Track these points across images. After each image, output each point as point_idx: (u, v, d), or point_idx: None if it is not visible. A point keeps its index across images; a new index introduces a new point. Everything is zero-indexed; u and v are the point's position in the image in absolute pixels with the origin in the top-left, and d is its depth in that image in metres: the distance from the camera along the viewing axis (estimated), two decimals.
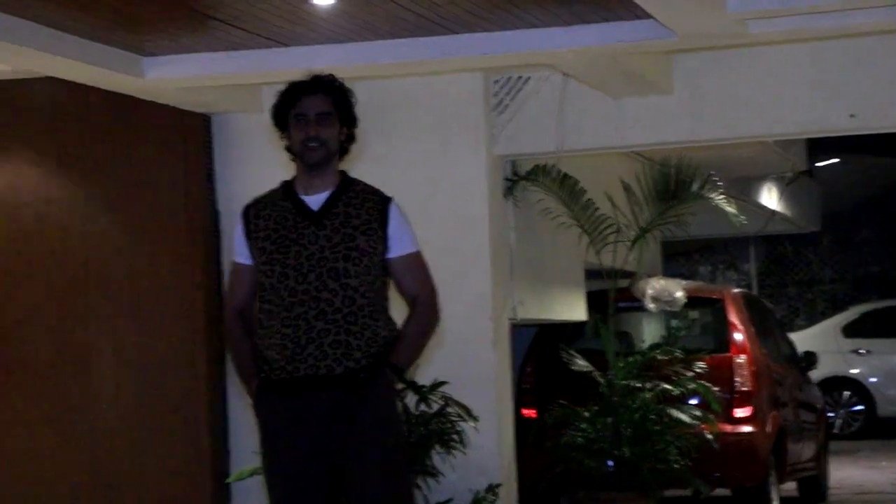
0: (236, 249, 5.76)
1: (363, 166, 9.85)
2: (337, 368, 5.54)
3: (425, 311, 5.78)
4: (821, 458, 13.71)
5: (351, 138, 5.81)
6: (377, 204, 5.72)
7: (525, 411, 11.91)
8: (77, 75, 8.68)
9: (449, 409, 9.30)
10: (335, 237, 5.60)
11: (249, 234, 5.69)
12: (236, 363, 5.84)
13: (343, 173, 5.78)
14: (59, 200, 10.01)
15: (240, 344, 5.76)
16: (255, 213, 5.73)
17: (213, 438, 9.90)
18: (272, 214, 5.69)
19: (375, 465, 5.58)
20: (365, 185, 5.79)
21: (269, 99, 9.60)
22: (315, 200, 5.68)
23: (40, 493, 9.87)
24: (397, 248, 5.71)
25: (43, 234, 9.99)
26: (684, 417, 10.41)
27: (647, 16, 7.99)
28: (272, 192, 5.79)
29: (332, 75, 5.83)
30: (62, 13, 7.64)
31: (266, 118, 9.51)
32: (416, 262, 5.79)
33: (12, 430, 9.97)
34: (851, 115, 10.03)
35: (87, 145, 10.03)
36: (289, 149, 5.76)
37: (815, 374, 15.95)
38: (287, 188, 5.76)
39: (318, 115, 5.67)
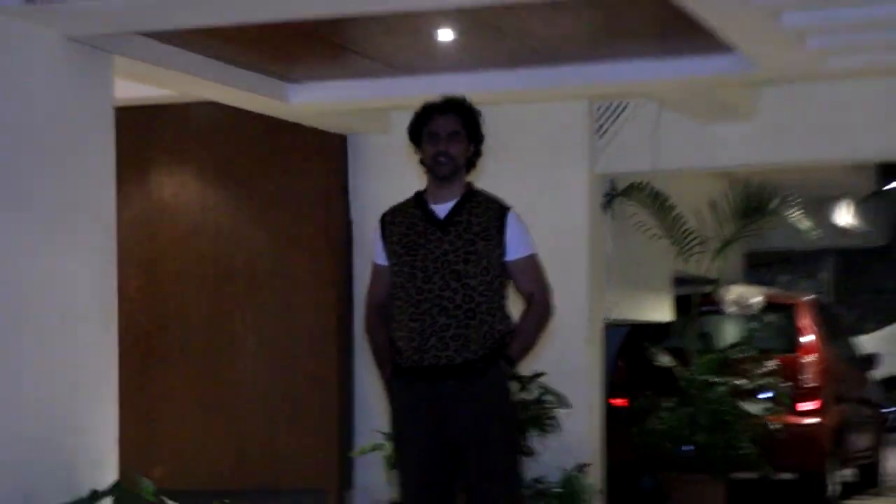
0: (375, 252, 5.78)
1: (481, 181, 9.96)
2: (457, 359, 5.53)
3: (539, 307, 5.75)
4: (877, 449, 13.59)
5: (478, 153, 5.83)
6: (497, 212, 5.71)
7: (615, 401, 11.94)
8: (232, 100, 8.81)
9: (546, 397, 9.36)
10: (458, 242, 5.60)
11: (385, 239, 5.71)
12: (373, 352, 5.85)
13: (469, 184, 5.79)
14: (215, 208, 10.14)
15: (377, 335, 5.77)
16: (390, 219, 5.75)
17: (340, 418, 9.98)
18: (404, 221, 5.70)
19: (492, 442, 5.57)
20: (488, 195, 5.80)
21: (397, 122, 9.91)
22: (442, 209, 5.67)
23: (189, 462, 10.00)
24: (514, 252, 5.68)
25: (200, 237, 10.12)
26: (754, 410, 10.41)
27: (735, 50, 7.97)
28: (406, 202, 5.79)
29: (463, 97, 5.85)
30: (222, 46, 7.74)
31: (394, 139, 9.89)
32: (531, 263, 5.75)
33: (171, 405, 10.10)
34: None
35: (239, 161, 10.15)
36: (422, 161, 5.75)
37: (880, 374, 15.82)
38: (418, 197, 5.77)
39: (448, 133, 5.68)
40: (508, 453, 5.71)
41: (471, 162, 5.79)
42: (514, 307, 5.78)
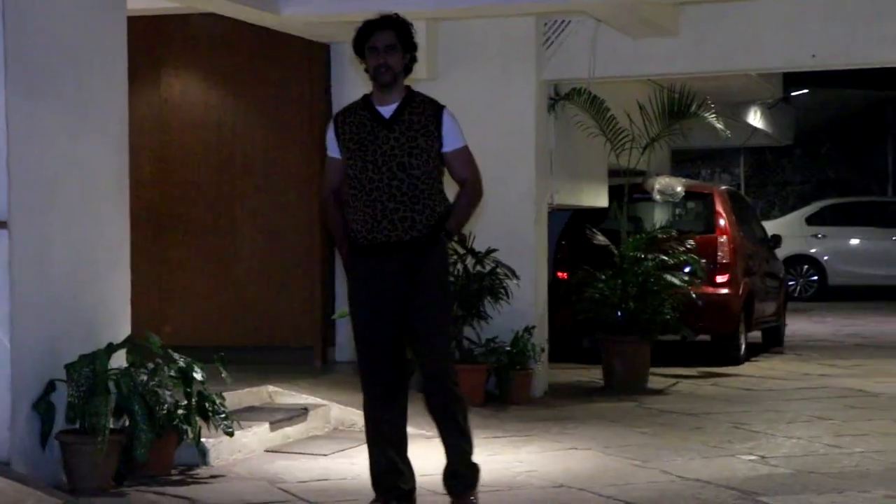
0: (329, 146, 5.80)
1: (443, 86, 9.97)
2: (404, 237, 5.63)
3: (471, 189, 5.80)
4: (780, 314, 13.75)
5: (413, 60, 5.79)
6: (434, 111, 5.72)
7: (559, 274, 12.03)
8: (231, 11, 8.73)
9: (498, 270, 9.42)
10: (402, 138, 5.63)
11: (339, 136, 5.73)
12: (332, 230, 5.95)
13: (408, 88, 5.78)
14: (216, 105, 10.09)
15: (334, 216, 5.83)
16: (342, 119, 5.76)
17: (323, 285, 10.03)
18: (355, 121, 5.71)
19: (431, 302, 5.69)
20: (424, 96, 5.80)
21: None
22: (387, 110, 5.68)
23: (195, 319, 10.06)
24: (450, 144, 5.71)
25: (203, 130, 10.09)
26: (676, 281, 10.51)
27: None
28: (355, 103, 5.81)
29: (396, 14, 5.80)
30: None
31: None
32: (463, 153, 5.77)
33: (178, 274, 10.13)
34: (813, 55, 9.99)
35: (237, 65, 10.08)
36: (366, 71, 5.75)
37: (782, 252, 15.95)
38: (366, 100, 5.77)
39: (386, 46, 5.66)
40: (445, 310, 5.87)
41: (407, 68, 5.76)
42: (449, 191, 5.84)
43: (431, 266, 5.71)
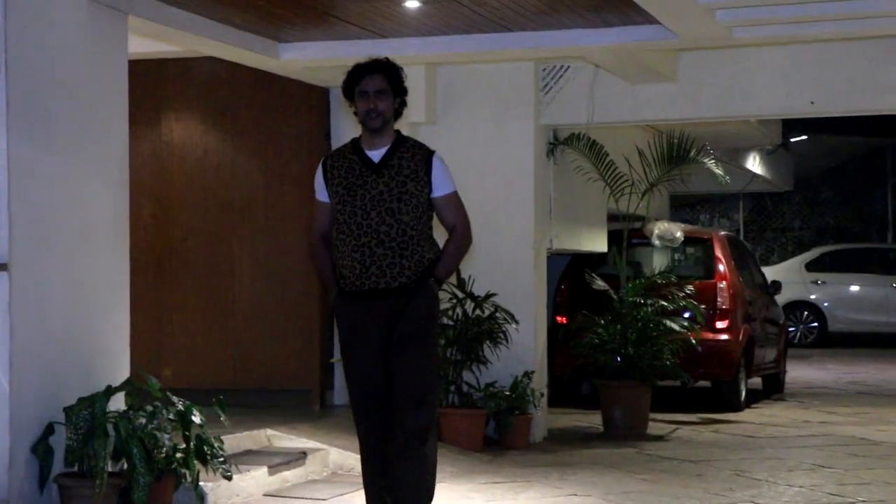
0: (317, 190, 5.76)
1: (442, 130, 10.11)
2: (393, 283, 5.59)
3: (460, 236, 5.75)
4: (780, 361, 13.76)
5: (403, 104, 5.77)
6: (423, 156, 5.69)
7: (558, 318, 12.06)
8: (231, 56, 8.80)
9: (497, 314, 9.44)
10: (391, 183, 5.60)
11: (328, 180, 5.70)
12: (320, 275, 5.92)
13: (398, 132, 5.75)
14: (216, 149, 10.12)
15: (323, 261, 5.81)
16: (331, 163, 5.73)
17: (322, 328, 10.00)
18: (343, 165, 5.68)
19: (411, 350, 5.62)
20: (414, 141, 5.77)
21: None
22: (376, 154, 5.66)
23: (194, 362, 10.05)
24: (439, 190, 5.68)
25: (202, 172, 10.09)
26: (676, 326, 10.54)
27: (657, 22, 8.03)
28: (344, 147, 5.78)
29: (387, 58, 5.77)
30: (222, 9, 7.74)
31: None
32: (453, 199, 5.74)
33: (177, 316, 10.10)
34: (811, 103, 10.08)
35: (236, 108, 10.12)
36: (355, 114, 5.71)
37: (782, 298, 15.99)
38: (355, 144, 5.74)
39: (376, 91, 5.63)
40: (426, 360, 5.69)
41: (398, 113, 5.74)
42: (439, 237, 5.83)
43: (416, 313, 5.63)
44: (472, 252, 9.85)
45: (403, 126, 9.80)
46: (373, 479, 5.74)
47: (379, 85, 5.65)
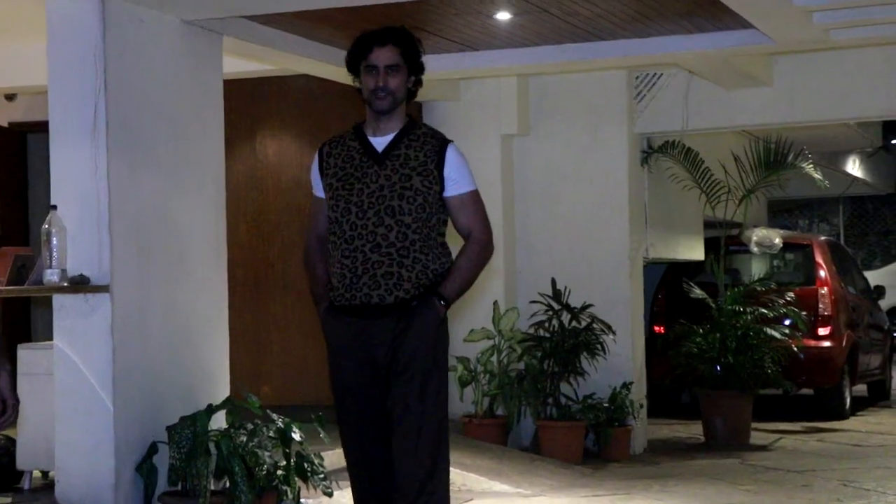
0: (313, 183, 4.88)
1: (534, 142, 10.11)
2: (388, 298, 4.64)
3: (476, 245, 4.76)
4: (885, 367, 13.51)
5: (418, 83, 4.82)
6: (436, 146, 4.72)
7: (656, 328, 11.97)
8: (324, 73, 8.83)
9: (594, 325, 9.39)
10: (394, 177, 4.67)
11: (322, 171, 4.82)
12: (310, 285, 4.97)
13: (409, 117, 4.83)
14: (310, 166, 10.20)
15: (315, 268, 4.90)
16: (328, 151, 4.83)
17: None
18: (342, 153, 4.77)
19: (413, 388, 4.66)
20: (428, 128, 4.83)
21: (465, 90, 9.92)
22: (381, 142, 4.73)
23: (293, 379, 10.11)
24: (453, 188, 4.72)
25: (298, 190, 10.12)
26: (776, 334, 10.41)
27: (752, 26, 7.93)
28: (345, 133, 4.86)
29: (402, 27, 4.84)
30: (315, 27, 7.76)
31: (463, 105, 9.90)
32: (470, 200, 4.77)
33: (276, 333, 10.15)
34: None
35: (330, 125, 10.13)
36: (360, 93, 4.77)
37: (886, 303, 15.70)
38: (357, 129, 4.82)
39: (387, 66, 4.68)
40: (433, 400, 4.71)
41: (411, 93, 4.80)
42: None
43: (419, 338, 4.66)
44: (568, 262, 9.88)
45: (495, 137, 10.04)
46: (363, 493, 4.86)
47: (390, 59, 4.70)
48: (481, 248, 4.78)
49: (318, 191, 4.86)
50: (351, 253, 4.67)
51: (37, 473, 6.60)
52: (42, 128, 7.04)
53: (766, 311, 10.50)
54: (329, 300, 4.77)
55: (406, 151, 4.71)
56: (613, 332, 9.42)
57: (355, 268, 4.66)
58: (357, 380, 4.71)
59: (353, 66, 4.79)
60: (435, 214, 4.72)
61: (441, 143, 4.75)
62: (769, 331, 10.37)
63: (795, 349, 10.65)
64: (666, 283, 12.30)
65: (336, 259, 4.72)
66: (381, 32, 4.75)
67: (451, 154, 4.73)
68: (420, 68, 4.81)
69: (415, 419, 4.65)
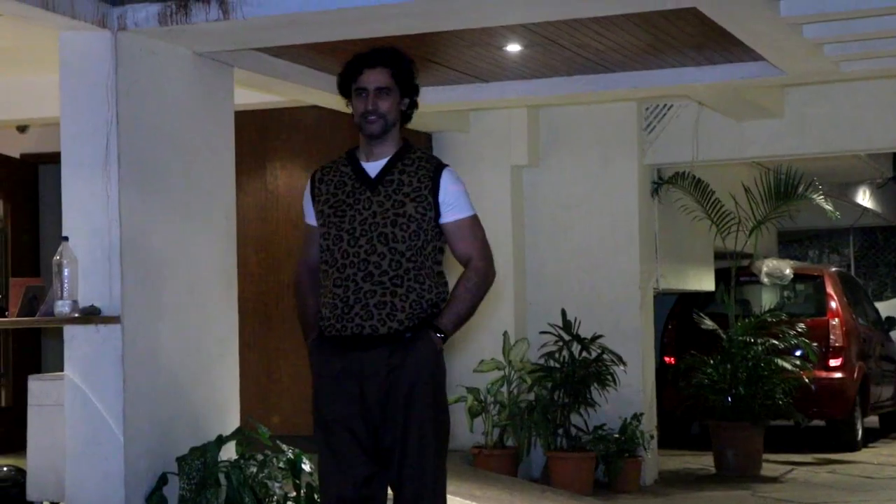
0: (305, 211, 4.75)
1: (543, 173, 10.12)
2: (381, 329, 4.43)
3: (474, 273, 4.55)
4: None
5: (413, 106, 4.70)
6: (430, 171, 4.56)
7: (666, 359, 11.95)
8: (332, 103, 8.77)
9: (605, 356, 9.37)
10: (386, 203, 4.51)
11: (314, 198, 4.67)
12: (300, 315, 4.79)
13: (404, 140, 4.66)
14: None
15: (305, 298, 4.72)
16: (320, 177, 4.68)
17: None
18: (333, 180, 4.63)
19: (412, 427, 4.45)
20: (423, 152, 4.68)
21: (475, 122, 9.94)
22: (374, 167, 4.59)
23: (302, 409, 10.08)
24: (449, 214, 4.54)
25: None
26: (788, 365, 10.39)
27: (763, 58, 7.95)
28: (338, 159, 4.73)
29: (393, 48, 4.70)
30: (324, 59, 7.78)
31: (472, 136, 9.93)
32: (467, 225, 4.58)
33: (285, 364, 10.15)
34: None
35: (340, 154, 10.22)
36: (352, 117, 4.65)
37: None
38: (350, 155, 4.69)
39: (377, 89, 4.56)
40: (434, 439, 4.51)
41: (405, 116, 4.67)
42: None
43: (416, 373, 4.45)
44: (578, 293, 9.87)
45: (504, 168, 10.05)
46: None
47: (380, 81, 4.58)
48: (480, 275, 4.57)
49: (310, 218, 4.72)
50: (342, 282, 4.49)
51: None
52: (54, 159, 7.07)
53: (777, 343, 10.48)
54: (318, 331, 4.59)
55: (400, 177, 4.56)
56: (624, 364, 9.40)
57: (347, 297, 4.47)
58: (344, 414, 4.48)
59: (344, 89, 4.69)
60: (430, 242, 4.54)
61: (435, 168, 4.59)
62: (780, 362, 10.35)
63: (807, 381, 10.63)
64: (676, 314, 12.29)
65: (327, 288, 4.54)
66: (371, 54, 4.63)
67: (446, 179, 4.56)
68: (413, 90, 4.69)
69: (415, 459, 4.44)
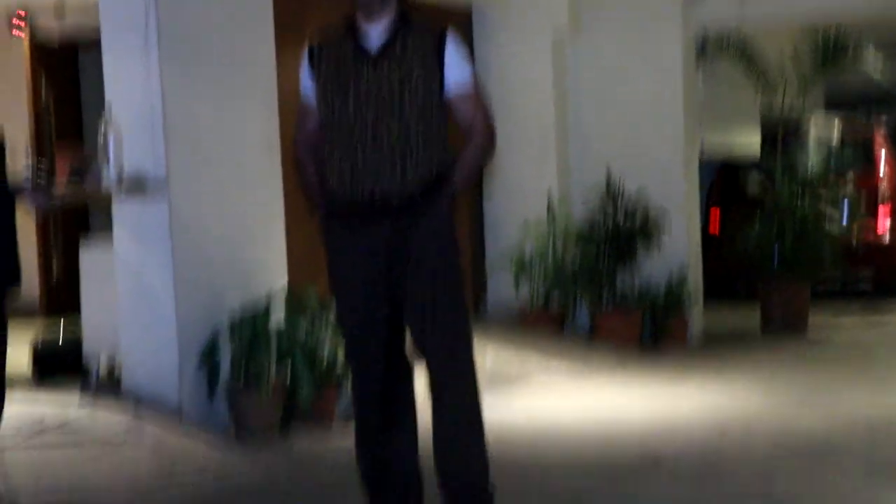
0: (303, 84, 4.61)
1: (587, 38, 10.00)
2: (391, 191, 4.40)
3: (479, 136, 4.49)
4: None
5: None
6: (433, 36, 4.45)
7: (711, 227, 11.91)
8: None
9: (650, 213, 9.39)
10: (392, 75, 4.41)
11: (315, 75, 4.54)
12: (303, 188, 4.70)
13: (403, 7, 4.51)
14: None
15: (307, 170, 4.64)
16: (318, 52, 4.54)
17: (473, 235, 9.88)
18: (333, 53, 4.50)
19: (431, 280, 4.44)
20: (423, 19, 4.57)
21: None
22: (375, 37, 4.45)
23: None
24: (453, 77, 4.44)
25: None
26: (835, 227, 10.32)
27: None
28: (335, 30, 4.58)
29: None
30: None
31: (512, 5, 9.79)
32: (470, 90, 4.50)
33: None
34: None
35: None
36: None
37: None
38: (349, 26, 4.52)
39: None
40: (453, 291, 4.51)
41: None
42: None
43: (430, 232, 4.43)
44: (623, 159, 9.83)
45: (546, 36, 9.94)
46: (370, 437, 4.61)
47: None
48: (484, 140, 4.53)
49: (310, 93, 4.60)
50: (351, 151, 4.43)
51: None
52: (94, 45, 7.13)
53: (823, 194, 10.39)
54: (326, 203, 4.56)
55: (403, 46, 4.44)
56: (668, 218, 9.36)
57: (355, 163, 4.42)
58: (362, 279, 4.46)
59: None
60: (437, 111, 4.47)
61: (439, 32, 4.47)
62: (828, 225, 10.28)
63: (854, 242, 10.55)
64: (721, 175, 12.20)
65: (335, 159, 4.48)
66: None
67: (450, 42, 4.46)
68: None
69: (438, 314, 4.45)
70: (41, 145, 9.78)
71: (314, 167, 4.60)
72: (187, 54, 6.46)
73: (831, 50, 10.69)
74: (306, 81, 4.60)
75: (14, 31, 10.26)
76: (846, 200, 10.62)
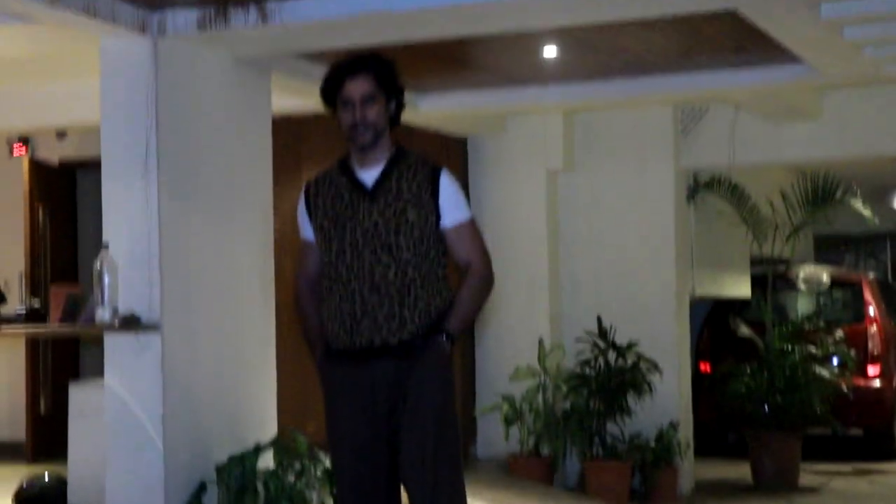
0: (301, 225, 4.76)
1: (578, 178, 10.16)
2: (391, 340, 4.46)
3: (476, 277, 4.55)
4: None
5: (400, 107, 4.67)
6: (428, 174, 4.53)
7: (702, 366, 11.97)
8: None
9: (641, 364, 9.40)
10: (387, 211, 4.49)
11: (311, 212, 4.68)
12: (304, 331, 4.79)
13: (397, 143, 4.65)
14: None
15: (308, 314, 4.73)
16: (314, 191, 4.69)
17: (464, 381, 10.01)
18: (329, 192, 4.62)
19: (426, 430, 4.44)
20: (417, 154, 4.64)
21: (511, 126, 9.99)
22: (370, 175, 4.56)
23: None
24: (449, 218, 4.53)
25: None
26: (825, 373, 10.39)
27: (801, 60, 7.97)
28: (331, 169, 4.72)
29: (372, 53, 4.67)
30: None
31: (507, 140, 9.97)
32: (468, 229, 4.58)
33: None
34: None
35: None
36: (340, 128, 4.62)
37: None
38: (343, 164, 4.67)
39: (362, 98, 4.53)
40: (447, 441, 4.50)
41: (394, 119, 4.66)
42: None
43: (426, 379, 4.45)
44: (614, 300, 9.90)
45: (540, 173, 10.07)
46: None
47: (365, 89, 4.54)
48: (481, 280, 4.58)
49: (308, 233, 4.72)
50: (349, 296, 4.50)
51: None
52: (92, 165, 7.17)
53: (814, 350, 10.50)
54: (325, 345, 4.62)
55: (398, 183, 4.54)
56: (660, 371, 9.43)
57: (354, 311, 4.49)
58: (357, 426, 4.52)
59: (328, 98, 4.63)
60: (433, 248, 4.54)
61: (433, 171, 4.56)
62: (818, 370, 10.35)
63: (845, 389, 10.63)
64: (711, 321, 12.30)
65: (333, 304, 4.55)
66: (351, 62, 4.59)
67: (445, 181, 4.55)
68: (398, 91, 4.64)
69: (430, 464, 4.43)
70: (35, 275, 9.91)
71: (314, 307, 4.67)
72: (186, 184, 6.47)
73: (820, 193, 10.86)
74: (304, 222, 4.71)
75: (14, 153, 10.50)
76: (836, 358, 10.69)
